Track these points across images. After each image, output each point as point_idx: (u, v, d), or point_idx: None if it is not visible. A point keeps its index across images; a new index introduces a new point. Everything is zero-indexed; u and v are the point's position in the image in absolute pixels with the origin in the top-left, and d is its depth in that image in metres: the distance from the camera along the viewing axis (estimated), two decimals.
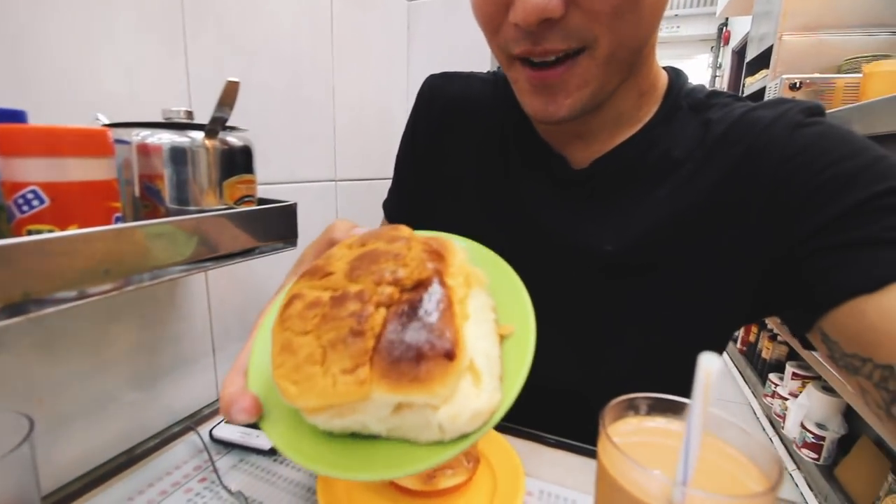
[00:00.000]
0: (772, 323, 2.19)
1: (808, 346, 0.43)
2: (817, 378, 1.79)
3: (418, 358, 0.21)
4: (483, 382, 0.23)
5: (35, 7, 0.38)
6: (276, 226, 0.40)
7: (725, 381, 2.48)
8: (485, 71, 0.61)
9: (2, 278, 0.25)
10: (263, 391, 0.27)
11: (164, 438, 0.53)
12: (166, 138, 0.33)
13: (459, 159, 0.55)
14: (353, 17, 0.75)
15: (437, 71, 0.60)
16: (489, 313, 0.27)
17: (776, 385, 2.02)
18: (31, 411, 0.32)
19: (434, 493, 0.38)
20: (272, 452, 0.50)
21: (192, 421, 0.57)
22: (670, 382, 0.51)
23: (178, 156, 0.33)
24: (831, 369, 1.48)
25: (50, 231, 0.29)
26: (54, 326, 0.45)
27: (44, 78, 0.40)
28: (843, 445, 1.64)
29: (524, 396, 0.25)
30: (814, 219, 0.38)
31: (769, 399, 2.06)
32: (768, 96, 2.53)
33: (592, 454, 0.50)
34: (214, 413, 0.58)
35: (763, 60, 2.84)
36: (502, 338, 0.27)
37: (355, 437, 0.25)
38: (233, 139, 0.37)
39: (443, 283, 0.24)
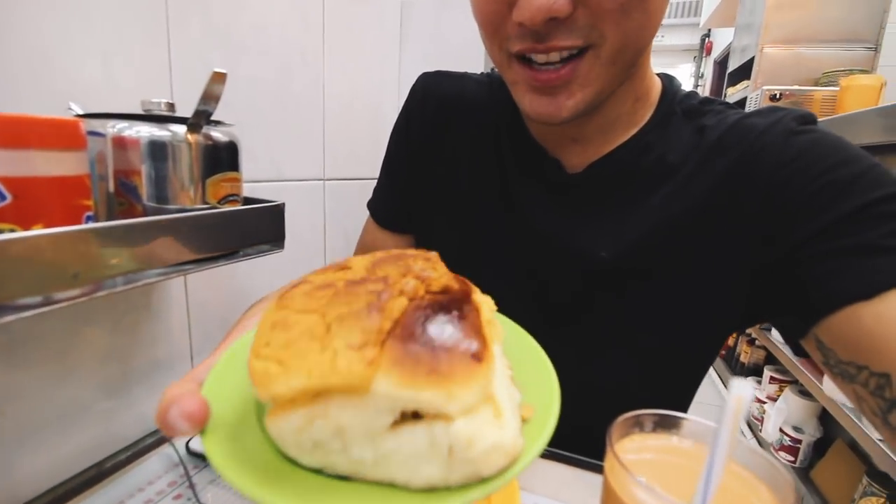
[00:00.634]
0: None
1: (801, 353, 0.43)
2: (794, 382, 1.83)
3: (441, 350, 0.18)
4: (505, 419, 0.19)
5: None
6: (263, 227, 0.37)
7: (704, 384, 2.52)
8: (478, 71, 0.60)
9: None
10: (219, 405, 0.22)
11: (137, 451, 0.50)
12: (145, 131, 0.31)
13: (453, 159, 0.54)
14: (346, 12, 0.73)
15: (430, 69, 0.59)
16: (506, 369, 0.24)
17: (754, 389, 2.06)
18: None
19: None
20: None
21: None
22: (666, 388, 0.50)
23: (158, 150, 0.31)
24: (808, 373, 1.51)
25: (11, 231, 0.26)
26: (17, 330, 0.41)
27: (12, 63, 0.37)
28: (819, 448, 1.67)
29: None
30: (810, 224, 0.38)
31: None
32: (749, 107, 2.59)
33: (588, 466, 0.49)
34: None
35: (744, 71, 2.91)
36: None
37: (321, 474, 0.20)
38: (217, 134, 0.35)
39: (472, 299, 0.21)
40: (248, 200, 0.39)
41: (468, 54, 0.85)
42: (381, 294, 0.19)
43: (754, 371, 2.17)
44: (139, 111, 0.34)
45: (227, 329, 0.50)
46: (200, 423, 0.21)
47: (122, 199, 0.33)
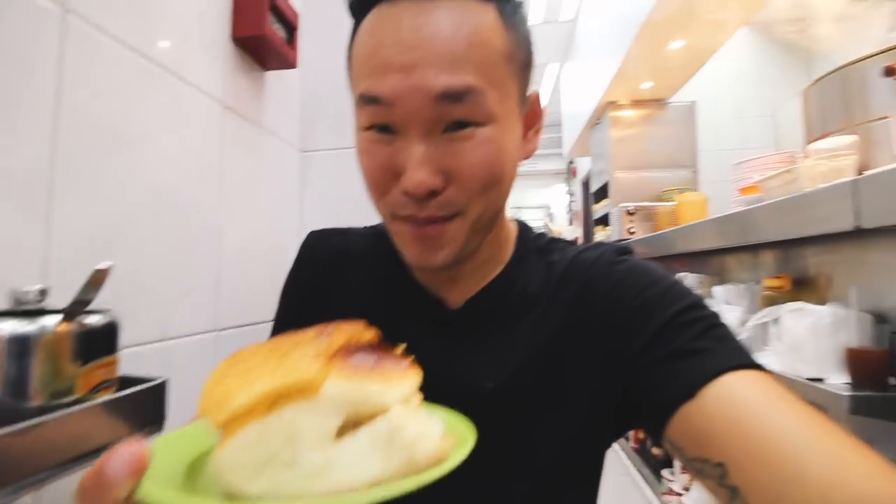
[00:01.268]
0: None
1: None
2: None
3: (376, 362, 0.23)
4: (432, 418, 0.24)
5: None
6: (139, 412, 0.35)
7: (624, 482, 2.53)
8: (370, 217, 0.66)
9: None
10: (158, 466, 0.22)
11: None
12: (7, 328, 0.29)
13: (343, 311, 0.56)
14: (243, 164, 0.77)
15: (330, 212, 0.63)
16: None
17: (670, 481, 2.11)
18: None
19: None
20: None
21: None
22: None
23: (20, 346, 0.29)
24: None
25: None
26: None
27: None
28: None
29: None
30: (635, 340, 0.45)
31: (667, 497, 2.13)
32: (611, 221, 3.06)
33: None
34: None
35: (604, 191, 3.48)
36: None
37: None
38: (94, 319, 0.34)
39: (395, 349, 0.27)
40: (124, 381, 0.37)
41: (365, 201, 0.93)
42: (324, 332, 0.24)
43: (666, 463, 2.25)
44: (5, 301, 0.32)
45: None
46: (142, 466, 0.21)
47: None
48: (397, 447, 0.21)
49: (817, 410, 0.37)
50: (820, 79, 1.43)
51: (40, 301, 0.32)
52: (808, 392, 1.05)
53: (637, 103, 3.29)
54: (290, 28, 0.80)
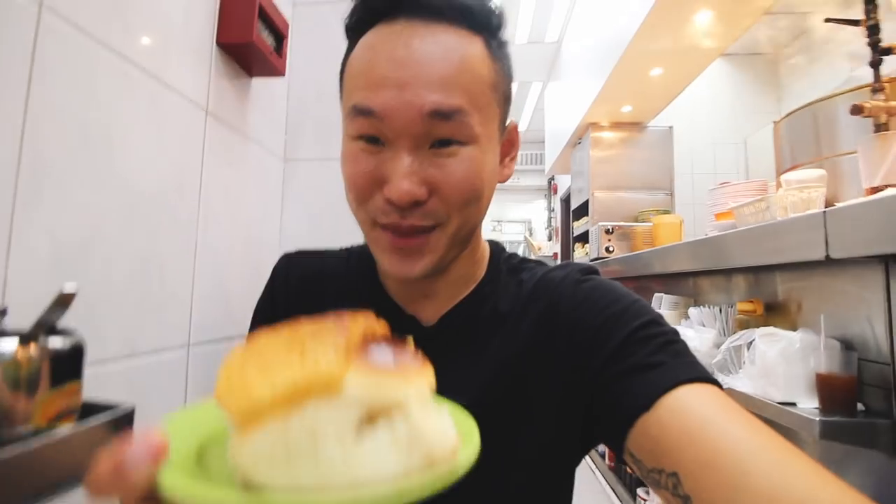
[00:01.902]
0: None
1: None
2: None
3: (394, 361, 0.24)
4: (445, 414, 0.25)
5: None
6: (103, 443, 0.32)
7: (600, 500, 2.53)
8: (352, 227, 0.66)
9: None
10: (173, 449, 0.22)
11: None
12: None
13: None
14: (225, 175, 0.75)
15: (312, 223, 0.62)
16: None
17: (644, 500, 2.12)
18: None
19: None
20: None
21: None
22: None
23: None
24: None
25: None
26: None
27: None
28: None
29: None
30: (598, 355, 0.46)
31: None
32: (591, 238, 3.11)
33: None
34: None
35: (584, 209, 3.54)
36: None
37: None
38: (57, 341, 0.31)
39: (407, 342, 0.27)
40: (87, 407, 0.34)
41: (346, 212, 0.91)
42: (344, 329, 0.24)
43: (641, 482, 2.26)
44: None
45: None
46: (163, 451, 0.21)
47: None
48: (417, 444, 0.22)
49: (762, 422, 0.38)
50: (791, 113, 1.50)
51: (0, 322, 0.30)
52: (781, 416, 1.08)
53: (617, 125, 3.38)
54: (279, 36, 0.79)
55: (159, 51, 0.60)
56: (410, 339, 0.28)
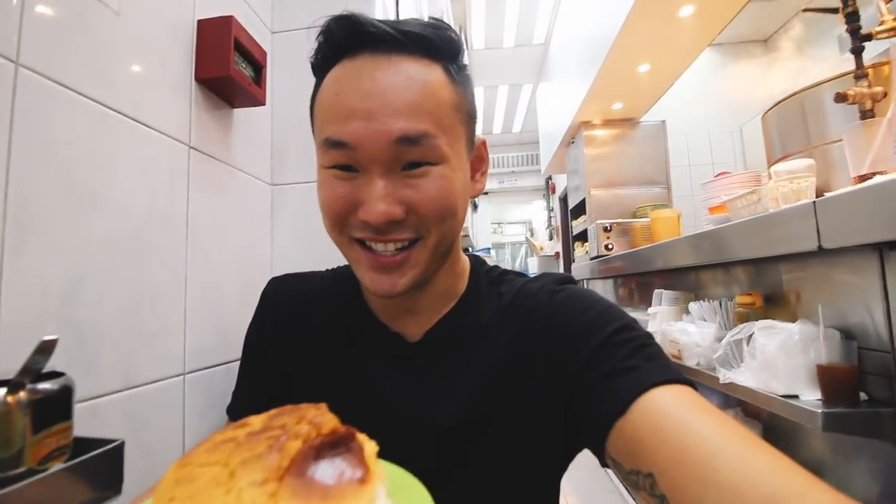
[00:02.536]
0: None
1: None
2: None
3: (331, 479, 0.22)
4: None
5: None
6: (94, 478, 0.33)
7: (613, 499, 2.52)
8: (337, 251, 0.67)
9: None
10: None
11: None
12: None
13: (306, 350, 0.59)
14: (213, 204, 0.76)
15: (300, 246, 0.64)
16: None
17: None
18: None
19: None
20: None
21: None
22: None
23: None
24: None
25: None
26: None
27: None
28: None
29: None
30: (575, 361, 0.47)
31: None
32: (589, 237, 3.11)
33: None
34: None
35: (581, 208, 3.53)
36: None
37: None
38: (46, 385, 0.32)
39: (356, 438, 0.26)
40: (79, 442, 0.35)
41: None
42: (279, 438, 0.23)
43: None
44: None
45: None
46: None
47: None
48: None
49: (731, 418, 0.40)
50: (778, 103, 1.50)
51: None
52: (784, 409, 1.07)
53: (609, 123, 3.38)
54: (258, 67, 0.80)
55: (138, 93, 0.61)
56: (368, 443, 0.27)
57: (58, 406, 0.33)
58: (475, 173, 0.55)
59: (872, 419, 0.94)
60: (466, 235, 3.15)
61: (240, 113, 0.84)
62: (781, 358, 1.14)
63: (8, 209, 0.43)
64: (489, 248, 6.35)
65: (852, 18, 1.17)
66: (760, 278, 1.52)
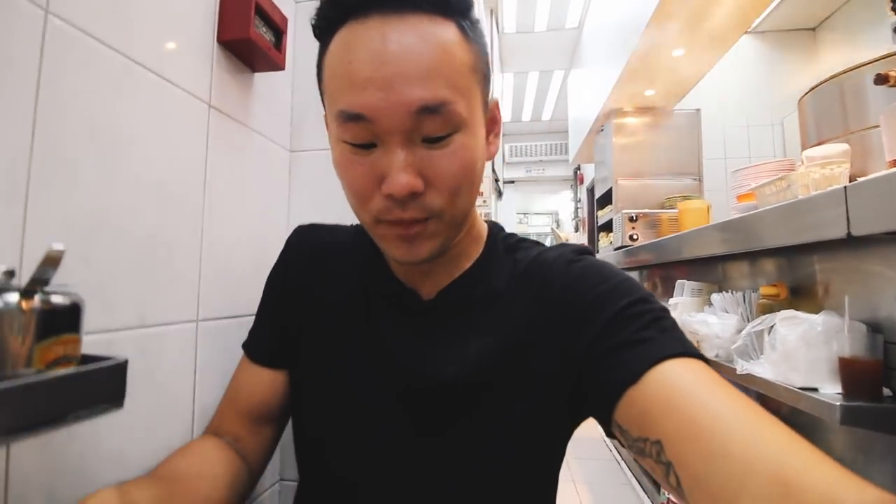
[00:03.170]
0: None
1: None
2: None
3: None
4: None
5: None
6: (98, 388, 0.36)
7: (625, 492, 2.50)
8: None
9: None
10: None
11: None
12: None
13: (324, 299, 0.60)
14: (231, 164, 0.79)
15: (318, 214, 0.66)
16: None
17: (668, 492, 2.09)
18: None
19: None
20: None
21: None
22: (523, 494, 0.53)
23: None
24: None
25: None
26: None
27: None
28: None
29: None
30: (588, 332, 0.48)
31: None
32: (614, 227, 3.05)
33: None
34: None
35: (608, 198, 3.46)
36: None
37: None
38: (58, 299, 0.35)
39: None
40: (87, 358, 0.38)
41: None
42: None
43: None
44: None
45: None
46: None
47: None
48: None
49: (743, 393, 0.40)
50: (815, 87, 1.43)
51: (8, 281, 0.34)
52: (800, 401, 1.04)
53: (640, 110, 3.29)
54: (278, 32, 0.82)
55: (161, 49, 0.63)
56: None
57: (67, 318, 0.36)
58: (488, 135, 0.54)
59: (894, 415, 0.90)
60: (489, 212, 3.14)
61: (260, 78, 0.86)
62: (802, 349, 1.10)
63: (35, 146, 0.46)
64: None
65: None
66: (787, 270, 1.46)
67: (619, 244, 2.85)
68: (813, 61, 3.54)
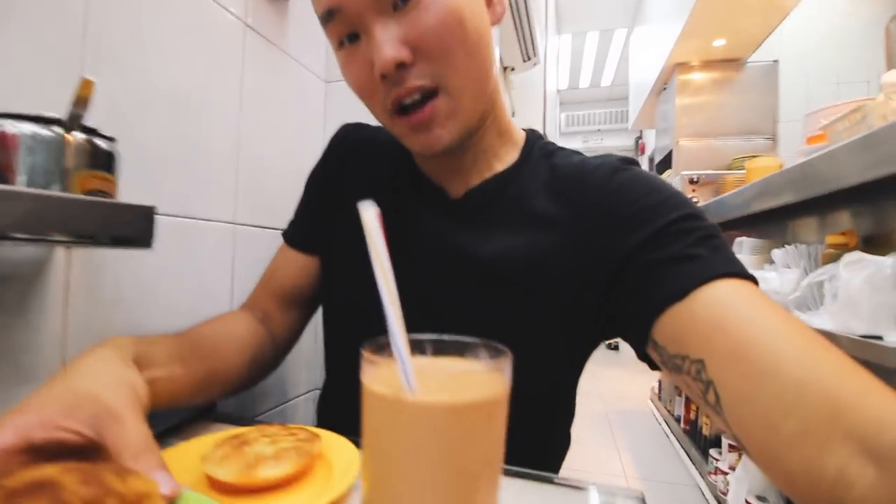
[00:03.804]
0: None
1: (655, 367, 0.48)
2: None
3: None
4: None
5: None
6: (129, 224, 0.41)
7: (671, 462, 2.43)
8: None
9: None
10: None
11: None
12: (26, 128, 0.36)
13: (358, 189, 0.62)
14: (266, 84, 0.83)
15: None
16: None
17: (717, 460, 2.00)
18: None
19: (253, 488, 0.35)
20: None
21: None
22: (542, 393, 0.53)
23: (30, 143, 0.36)
24: None
25: None
26: None
27: None
28: None
29: None
30: (632, 240, 0.46)
31: (713, 477, 2.02)
32: None
33: None
34: None
35: (667, 163, 3.27)
36: None
37: None
38: (99, 141, 0.41)
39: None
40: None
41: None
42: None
43: (716, 442, 2.13)
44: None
45: (103, 338, 0.50)
46: None
47: None
48: None
49: (796, 318, 0.38)
50: None
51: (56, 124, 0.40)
52: (863, 350, 0.96)
53: (708, 64, 3.03)
54: None
55: None
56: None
57: (103, 158, 0.41)
58: None
59: None
60: None
61: (296, 5, 0.90)
62: (867, 293, 1.01)
63: (87, 39, 0.52)
64: None
65: None
66: (858, 218, 1.33)
67: None
68: None
